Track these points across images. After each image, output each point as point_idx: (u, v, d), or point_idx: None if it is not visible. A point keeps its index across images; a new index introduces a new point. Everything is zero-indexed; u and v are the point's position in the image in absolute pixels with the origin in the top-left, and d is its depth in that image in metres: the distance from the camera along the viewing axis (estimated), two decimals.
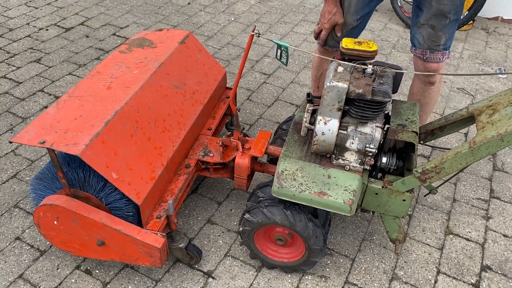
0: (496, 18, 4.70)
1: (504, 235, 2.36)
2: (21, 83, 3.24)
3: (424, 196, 2.49)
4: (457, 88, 3.53)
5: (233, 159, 2.15)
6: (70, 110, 1.90)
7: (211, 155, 2.21)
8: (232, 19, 4.32)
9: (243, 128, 2.86)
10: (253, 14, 4.45)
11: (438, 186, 2.24)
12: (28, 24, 3.99)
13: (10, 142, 1.95)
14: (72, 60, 3.54)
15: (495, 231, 2.37)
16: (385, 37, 4.19)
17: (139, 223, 1.89)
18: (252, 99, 3.27)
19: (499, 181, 2.68)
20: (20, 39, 3.76)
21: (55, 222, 1.86)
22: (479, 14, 4.62)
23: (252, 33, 1.80)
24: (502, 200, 2.56)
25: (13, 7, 4.23)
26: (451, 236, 2.33)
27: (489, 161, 2.83)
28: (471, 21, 4.41)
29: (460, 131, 3.03)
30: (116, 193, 1.86)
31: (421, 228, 2.36)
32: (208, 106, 2.41)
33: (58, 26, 4.00)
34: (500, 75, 3.72)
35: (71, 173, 1.85)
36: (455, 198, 2.55)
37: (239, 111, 3.10)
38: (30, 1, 4.36)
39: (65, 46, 3.72)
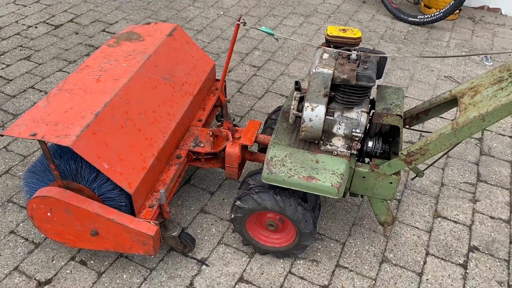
0: (482, 7, 4.76)
1: (491, 217, 2.41)
2: (11, 80, 3.25)
3: (412, 179, 2.54)
4: (444, 76, 3.58)
5: (224, 149, 2.18)
6: (60, 103, 1.92)
7: (202, 145, 2.24)
8: (221, 13, 4.34)
9: (234, 120, 2.89)
10: (242, 7, 4.47)
11: (425, 169, 2.29)
12: (17, 22, 3.98)
13: (1, 135, 1.96)
14: (62, 57, 3.55)
15: (482, 213, 2.43)
16: (373, 28, 4.23)
17: (132, 213, 1.92)
18: (243, 92, 3.30)
19: (486, 165, 2.74)
20: (9, 37, 3.76)
21: (49, 214, 1.88)
22: (465, 4, 4.69)
23: (238, 22, 1.84)
24: (489, 184, 2.61)
25: (1, 5, 4.22)
26: (439, 219, 2.38)
27: (476, 146, 2.88)
28: (458, 11, 4.47)
29: (450, 117, 3.09)
30: (109, 184, 1.89)
31: (410, 212, 2.41)
32: (197, 98, 2.44)
33: (47, 23, 4.00)
34: (486, 63, 3.77)
35: (63, 165, 1.87)
36: (443, 183, 2.60)
37: (229, 102, 3.14)
38: None
39: (54, 43, 3.72)
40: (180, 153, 2.21)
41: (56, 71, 3.37)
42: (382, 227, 2.27)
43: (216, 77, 2.75)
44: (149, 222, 1.86)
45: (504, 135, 2.99)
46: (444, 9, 4.09)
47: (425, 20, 4.23)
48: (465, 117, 1.75)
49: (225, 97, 2.74)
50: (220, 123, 2.35)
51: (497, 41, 4.15)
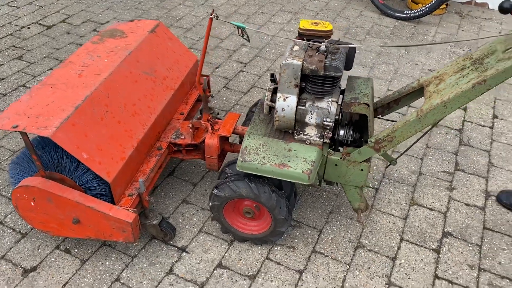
0: (469, 2, 4.81)
1: (466, 204, 2.47)
2: (3, 79, 3.34)
3: (385, 168, 2.60)
4: (428, 69, 3.64)
5: (204, 141, 2.25)
6: (42, 97, 2.00)
7: (183, 137, 2.31)
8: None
9: (217, 114, 2.95)
10: (231, 6, 4.54)
11: (397, 158, 2.35)
12: (10, 23, 4.07)
13: None
14: (54, 56, 3.63)
15: (458, 201, 2.49)
16: (360, 24, 4.30)
17: (112, 202, 1.99)
18: (229, 87, 3.37)
19: (464, 155, 2.80)
20: (2, 37, 3.85)
21: (32, 203, 1.96)
22: None
23: (211, 16, 1.91)
24: (466, 172, 2.67)
25: None
26: (415, 206, 2.45)
27: (456, 137, 2.94)
28: (445, 5, 4.53)
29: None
30: (89, 174, 1.96)
31: (387, 200, 2.47)
32: (179, 92, 2.51)
33: (40, 24, 4.09)
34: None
35: (45, 156, 1.95)
36: (421, 172, 2.66)
37: (213, 97, 3.20)
38: (12, 1, 4.44)
39: (46, 43, 3.81)
40: (161, 145, 2.28)
41: (47, 70, 3.46)
42: (356, 214, 2.33)
43: (204, 74, 2.82)
44: (128, 209, 1.94)
45: (484, 126, 3.05)
46: (429, 4, 4.15)
47: (411, 15, 4.29)
48: (429, 104, 1.81)
49: (209, 91, 2.82)
50: (200, 115, 2.42)
51: (482, 35, 4.20)
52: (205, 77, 2.69)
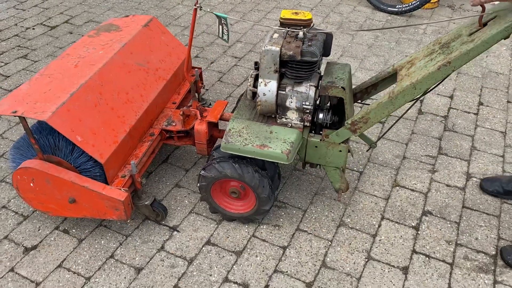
0: None
1: (447, 185, 2.57)
2: (8, 76, 3.51)
3: (366, 151, 2.70)
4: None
5: (193, 127, 2.38)
6: (40, 86, 2.15)
7: (174, 124, 2.45)
8: (208, 10, 4.55)
9: (210, 104, 3.08)
10: (228, 4, 4.69)
11: (377, 140, 2.45)
12: (16, 25, 4.26)
13: None
14: (57, 54, 3.80)
15: (439, 182, 2.59)
16: (353, 19, 4.41)
17: (106, 183, 2.13)
18: (223, 80, 3.50)
19: (448, 140, 2.89)
20: (8, 38, 4.03)
21: (31, 184, 2.10)
22: None
23: (195, 6, 2.04)
24: (449, 156, 2.77)
25: (2, 10, 4.51)
26: (397, 188, 2.55)
27: (441, 123, 3.04)
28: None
29: None
30: (83, 156, 2.10)
31: (370, 182, 2.58)
32: (171, 82, 2.65)
33: (44, 25, 4.27)
34: None
35: (42, 140, 2.09)
36: (405, 156, 2.77)
37: (206, 90, 3.35)
38: (18, 4, 4.63)
39: (50, 42, 3.98)
40: (153, 131, 2.42)
41: None
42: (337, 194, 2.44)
43: (195, 66, 2.95)
44: (120, 189, 2.08)
45: (469, 112, 3.14)
46: None
47: (403, 9, 4.39)
48: (400, 86, 1.93)
49: (202, 83, 2.95)
50: (191, 104, 2.56)
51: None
52: (196, 69, 2.83)
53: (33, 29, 4.20)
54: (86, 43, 2.49)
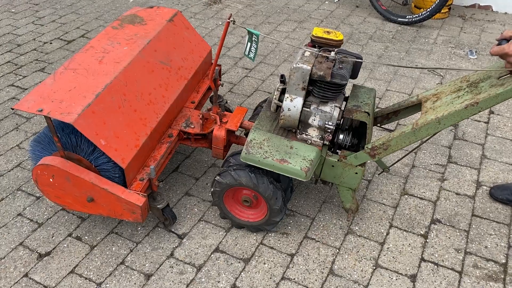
0: (473, 6, 4.91)
1: (457, 193, 2.56)
2: (26, 89, 3.62)
3: (378, 174, 2.70)
4: (427, 70, 3.74)
5: (212, 131, 2.42)
6: (65, 82, 2.16)
7: (192, 126, 2.47)
8: (220, 23, 4.65)
9: (226, 102, 3.08)
10: (239, 17, 4.77)
11: (391, 166, 2.46)
12: (34, 39, 4.40)
13: (12, 109, 2.22)
14: None
15: (449, 191, 2.58)
16: (363, 30, 4.44)
17: (124, 184, 2.17)
18: (234, 91, 3.56)
19: (458, 148, 2.89)
20: (27, 52, 4.17)
21: (51, 180, 2.14)
22: (456, 3, 4.85)
23: (228, 20, 2.08)
24: (459, 164, 2.76)
25: (21, 25, 4.67)
26: (406, 196, 2.55)
27: (451, 132, 3.03)
28: (447, 9, 4.63)
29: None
30: (104, 157, 2.14)
31: (379, 190, 2.59)
32: (192, 81, 2.66)
33: (61, 39, 4.40)
34: (470, 56, 3.92)
35: (64, 138, 2.13)
36: (414, 165, 2.77)
37: (222, 86, 3.37)
38: (37, 20, 4.79)
39: (66, 56, 4.10)
40: (171, 132, 2.43)
41: None
42: (346, 213, 2.45)
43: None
44: (139, 193, 2.11)
45: (479, 121, 3.13)
46: (430, 8, 4.27)
47: (413, 19, 4.42)
48: (424, 119, 1.93)
49: (220, 80, 2.96)
50: (211, 107, 2.58)
51: (484, 36, 4.28)
52: (216, 67, 2.84)
53: (51, 43, 4.33)
54: (110, 35, 2.49)
